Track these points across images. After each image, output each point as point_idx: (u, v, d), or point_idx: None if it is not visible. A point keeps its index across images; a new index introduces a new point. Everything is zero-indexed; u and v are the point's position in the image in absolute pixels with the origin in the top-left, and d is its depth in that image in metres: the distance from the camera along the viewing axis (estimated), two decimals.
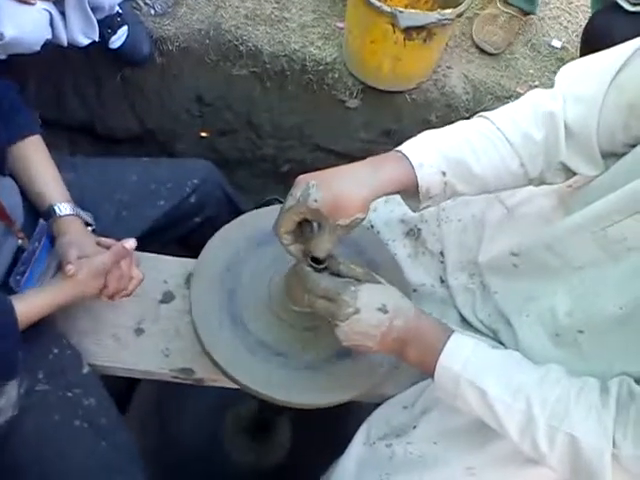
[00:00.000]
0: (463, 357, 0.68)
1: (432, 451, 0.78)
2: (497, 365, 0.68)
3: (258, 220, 0.91)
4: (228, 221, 0.91)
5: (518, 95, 1.59)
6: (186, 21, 1.58)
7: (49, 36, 1.12)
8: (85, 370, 0.84)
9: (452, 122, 0.76)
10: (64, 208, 0.86)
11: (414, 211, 0.77)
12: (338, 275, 0.72)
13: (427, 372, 0.71)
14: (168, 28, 1.56)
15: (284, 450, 1.31)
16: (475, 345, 0.69)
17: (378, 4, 1.32)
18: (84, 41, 1.23)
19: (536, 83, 1.63)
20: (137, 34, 1.47)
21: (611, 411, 0.61)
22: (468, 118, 0.78)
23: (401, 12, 1.31)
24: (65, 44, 1.19)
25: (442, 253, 0.95)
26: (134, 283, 0.86)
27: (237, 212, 1.15)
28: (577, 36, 1.74)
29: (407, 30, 1.35)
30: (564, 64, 0.77)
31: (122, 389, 1.27)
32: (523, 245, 0.79)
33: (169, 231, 1.07)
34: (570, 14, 1.80)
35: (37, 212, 0.88)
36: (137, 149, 1.77)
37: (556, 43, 1.71)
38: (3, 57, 1.09)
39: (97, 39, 1.27)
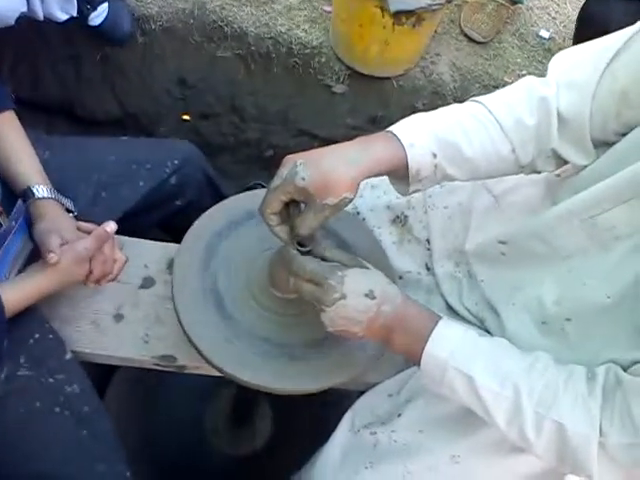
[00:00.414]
0: (450, 344, 0.67)
1: (417, 439, 0.78)
2: (485, 353, 0.67)
3: (241, 204, 0.89)
4: (210, 205, 0.88)
5: (505, 84, 1.57)
6: (169, 0, 1.53)
7: (24, 9, 1.08)
8: (68, 356, 0.82)
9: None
10: (42, 190, 0.83)
11: (403, 195, 0.75)
12: (324, 261, 0.71)
13: (413, 359, 0.70)
14: (151, 6, 1.52)
15: (266, 437, 1.30)
16: (463, 332, 0.68)
17: None
18: (62, 16, 1.19)
19: (524, 72, 1.63)
20: (118, 11, 1.43)
21: (598, 399, 0.61)
22: None
23: None
24: (41, 18, 1.15)
25: (428, 240, 0.94)
26: (118, 266, 0.84)
27: (219, 195, 1.13)
28: (565, 27, 1.74)
29: (396, 14, 1.33)
30: (552, 54, 0.77)
31: (100, 375, 1.25)
32: (510, 233, 0.78)
33: (150, 214, 1.04)
34: (558, 5, 1.81)
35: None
36: (117, 132, 1.73)
37: (544, 33, 1.71)
38: None
39: (76, 15, 1.23)
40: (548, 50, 1.69)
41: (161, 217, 1.09)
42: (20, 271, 0.81)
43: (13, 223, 0.81)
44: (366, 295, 0.67)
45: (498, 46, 1.68)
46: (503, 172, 0.76)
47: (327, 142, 1.68)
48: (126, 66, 1.60)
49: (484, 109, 0.72)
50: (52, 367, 0.79)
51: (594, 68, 0.69)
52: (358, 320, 0.67)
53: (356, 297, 0.67)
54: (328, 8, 1.60)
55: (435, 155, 0.70)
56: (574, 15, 1.78)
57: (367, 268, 0.71)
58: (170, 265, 0.92)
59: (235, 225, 0.87)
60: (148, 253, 0.94)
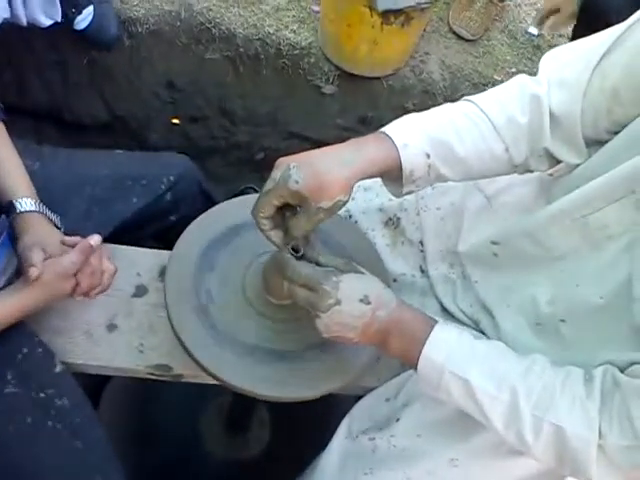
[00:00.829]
0: (447, 348, 0.67)
1: (415, 444, 0.78)
2: (481, 356, 0.67)
3: (234, 209, 0.88)
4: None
5: (495, 82, 1.58)
6: (156, 2, 1.52)
7: (7, 15, 1.06)
8: (58, 369, 0.80)
9: (429, 109, 0.75)
10: (26, 204, 0.80)
11: (396, 196, 0.75)
12: (318, 265, 0.70)
13: (410, 363, 0.69)
14: (137, 9, 1.50)
15: (264, 443, 1.29)
16: (459, 336, 0.68)
17: None
18: (46, 21, 1.17)
19: (513, 70, 1.63)
20: (104, 15, 1.41)
21: (596, 401, 0.61)
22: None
23: None
24: (25, 24, 1.13)
25: (422, 242, 0.94)
26: (107, 277, 0.82)
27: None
28: None
29: (385, 14, 1.33)
30: (541, 51, 0.77)
31: (95, 383, 1.24)
32: (503, 234, 0.78)
33: (142, 229, 1.03)
34: None
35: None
36: (107, 137, 1.71)
37: (533, 30, 1.71)
38: None
39: (60, 20, 1.21)
40: (537, 47, 1.69)
41: (155, 232, 1.07)
42: (3, 288, 0.79)
43: None
44: (361, 300, 0.67)
45: (487, 44, 1.68)
46: (496, 172, 0.76)
47: (318, 143, 1.69)
48: (113, 70, 1.58)
49: (476, 108, 0.72)
50: (42, 381, 0.78)
51: (585, 66, 0.68)
52: (353, 326, 0.67)
53: (351, 303, 0.66)
54: (316, 8, 1.59)
55: (429, 155, 0.69)
56: None
57: (362, 273, 0.70)
58: (162, 272, 0.91)
59: (228, 231, 0.86)
60: (140, 261, 0.93)
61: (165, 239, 1.08)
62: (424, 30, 1.58)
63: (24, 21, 1.13)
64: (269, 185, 0.66)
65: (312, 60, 1.56)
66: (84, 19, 1.38)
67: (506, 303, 0.78)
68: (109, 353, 0.84)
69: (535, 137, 0.72)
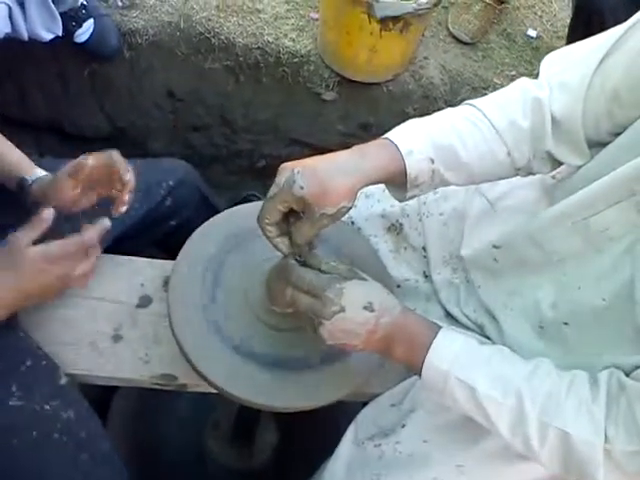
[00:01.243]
0: (451, 354, 0.66)
1: (421, 450, 0.77)
2: (486, 361, 0.67)
3: (236, 218, 0.89)
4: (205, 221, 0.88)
5: (495, 85, 1.59)
6: (155, 13, 1.53)
7: (8, 30, 1.07)
8: (62, 381, 0.80)
9: (430, 113, 0.75)
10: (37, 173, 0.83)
11: (400, 201, 0.75)
12: (321, 272, 0.70)
13: (414, 370, 0.69)
14: (136, 20, 1.51)
15: (270, 451, 1.29)
16: (463, 341, 0.68)
17: None
18: (47, 35, 1.18)
19: (513, 73, 1.63)
20: (104, 27, 1.42)
21: (602, 406, 0.61)
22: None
23: (377, 2, 1.29)
24: (26, 38, 1.14)
25: (424, 248, 0.94)
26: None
27: (215, 213, 1.12)
28: (552, 25, 1.74)
29: (383, 20, 1.33)
30: (540, 53, 0.77)
31: (102, 394, 1.24)
32: (505, 237, 0.78)
33: (143, 235, 1.03)
34: (544, 3, 1.81)
35: None
36: (108, 148, 1.71)
37: (531, 32, 1.71)
38: None
39: (61, 33, 1.22)
40: (536, 49, 1.69)
41: (156, 237, 1.08)
42: None
43: None
44: (365, 307, 0.67)
45: (486, 47, 1.69)
46: (499, 175, 0.75)
47: (319, 150, 1.69)
48: (114, 81, 1.59)
49: (478, 112, 0.72)
50: (46, 394, 0.78)
51: (585, 69, 0.68)
52: (357, 333, 0.67)
53: (355, 310, 0.66)
54: (315, 16, 1.60)
55: (433, 161, 0.69)
56: (561, 13, 1.79)
57: (365, 279, 0.70)
58: (166, 282, 0.91)
59: (231, 239, 0.86)
60: (143, 271, 0.94)
61: (166, 244, 1.09)
62: (423, 35, 1.58)
63: (25, 36, 1.14)
64: (273, 190, 0.65)
65: (312, 67, 1.56)
66: (85, 32, 1.39)
67: (509, 307, 0.78)
68: (114, 364, 0.84)
69: (537, 140, 0.72)
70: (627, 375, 0.63)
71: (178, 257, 0.83)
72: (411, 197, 0.73)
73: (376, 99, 1.60)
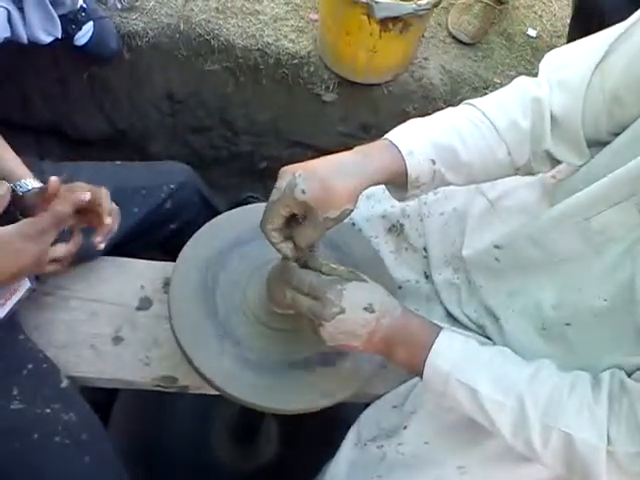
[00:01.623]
0: (452, 356, 0.66)
1: (423, 451, 0.77)
2: (487, 363, 0.67)
3: (236, 220, 0.88)
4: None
5: (495, 85, 1.58)
6: (154, 15, 1.53)
7: (7, 34, 1.07)
8: (63, 384, 0.80)
9: (430, 114, 0.74)
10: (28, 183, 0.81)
11: (400, 201, 0.74)
12: (322, 274, 0.70)
13: (415, 372, 0.69)
14: (136, 23, 1.51)
15: (272, 452, 1.29)
16: (464, 343, 0.68)
17: None
18: (46, 38, 1.18)
19: (513, 73, 1.63)
20: (103, 30, 1.41)
21: (604, 407, 0.60)
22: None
23: (377, 2, 1.29)
24: (25, 42, 1.14)
25: (425, 248, 0.94)
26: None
27: (215, 215, 1.12)
28: (552, 25, 1.74)
29: (383, 21, 1.33)
30: (540, 53, 0.77)
31: (104, 396, 1.24)
32: (506, 238, 0.78)
33: (144, 238, 1.03)
34: (544, 3, 1.81)
35: None
36: (109, 151, 1.72)
37: (531, 32, 1.71)
38: None
39: (60, 36, 1.22)
40: (536, 49, 1.69)
41: (156, 240, 1.08)
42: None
43: None
44: (365, 309, 0.66)
45: (486, 47, 1.68)
46: (499, 175, 0.75)
47: (320, 151, 1.70)
48: (114, 84, 1.59)
49: (478, 112, 0.72)
50: (47, 396, 0.78)
51: (585, 67, 0.68)
52: (358, 334, 0.67)
53: (355, 311, 0.66)
54: (315, 17, 1.60)
55: (434, 162, 0.69)
56: (560, 12, 1.78)
57: (365, 281, 0.70)
58: (167, 284, 0.91)
59: (231, 241, 0.86)
60: (143, 273, 0.93)
61: (167, 247, 1.09)
62: (423, 36, 1.58)
63: (25, 39, 1.13)
64: (275, 195, 0.64)
65: (312, 69, 1.56)
66: (84, 35, 1.39)
67: (511, 308, 0.78)
68: (115, 366, 0.84)
69: (537, 140, 0.71)
70: (629, 376, 0.62)
71: (178, 259, 0.83)
72: (411, 197, 0.72)
73: (376, 100, 1.60)
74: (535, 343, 0.74)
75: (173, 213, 1.06)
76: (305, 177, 0.63)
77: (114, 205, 0.80)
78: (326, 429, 1.03)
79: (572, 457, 0.61)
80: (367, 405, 0.87)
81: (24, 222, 0.71)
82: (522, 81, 0.73)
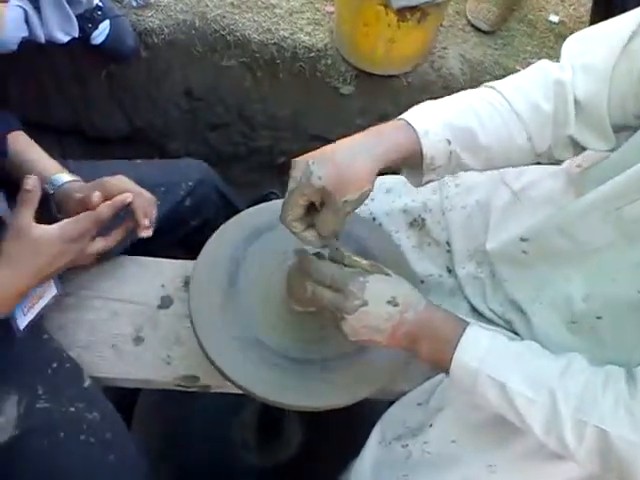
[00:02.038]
0: (480, 351, 0.64)
1: (450, 450, 0.76)
2: (516, 358, 0.65)
3: (256, 217, 0.88)
4: (226, 221, 0.87)
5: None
6: (170, 12, 1.53)
7: (25, 34, 1.08)
8: (86, 384, 0.81)
9: None
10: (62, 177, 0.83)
11: (416, 187, 0.72)
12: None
13: (441, 368, 0.67)
14: (152, 20, 1.51)
15: (295, 449, 1.28)
16: (492, 338, 0.66)
17: None
18: (63, 38, 1.18)
19: (535, 60, 1.57)
20: (120, 28, 1.42)
21: None
22: None
23: None
24: (43, 41, 1.14)
25: (448, 242, 0.92)
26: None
27: (235, 212, 1.12)
28: (575, 9, 1.70)
29: (400, 11, 1.31)
30: (563, 39, 0.74)
31: (126, 395, 1.24)
32: (532, 229, 0.75)
33: (164, 236, 1.03)
34: None
35: None
36: (128, 148, 1.73)
37: (553, 18, 1.67)
38: None
39: (77, 35, 1.22)
40: (559, 35, 1.65)
41: (177, 238, 1.08)
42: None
43: None
44: (388, 302, 0.65)
45: (507, 34, 1.64)
46: (519, 160, 0.73)
47: None
48: (132, 82, 1.59)
49: (498, 95, 0.70)
50: (71, 396, 0.78)
51: (610, 50, 0.66)
52: (381, 328, 0.65)
53: (378, 304, 0.65)
54: (330, 9, 1.58)
55: (450, 142, 0.67)
56: None
57: (388, 274, 0.69)
58: (187, 283, 0.90)
59: (251, 238, 0.86)
60: (164, 272, 0.93)
61: (188, 244, 1.09)
62: (441, 25, 1.55)
63: (42, 39, 1.14)
64: (292, 185, 0.64)
65: (329, 62, 1.54)
66: (101, 33, 1.39)
67: (539, 301, 0.76)
68: (136, 366, 0.84)
69: (560, 125, 0.69)
70: None
71: (198, 257, 0.83)
72: (427, 182, 0.70)
73: (395, 91, 1.57)
74: (564, 337, 0.72)
75: (193, 210, 1.06)
76: (319, 163, 0.62)
77: (149, 195, 0.83)
78: (349, 427, 1.02)
79: (608, 454, 0.59)
80: (391, 403, 0.85)
81: (66, 223, 0.74)
82: (543, 64, 0.71)
